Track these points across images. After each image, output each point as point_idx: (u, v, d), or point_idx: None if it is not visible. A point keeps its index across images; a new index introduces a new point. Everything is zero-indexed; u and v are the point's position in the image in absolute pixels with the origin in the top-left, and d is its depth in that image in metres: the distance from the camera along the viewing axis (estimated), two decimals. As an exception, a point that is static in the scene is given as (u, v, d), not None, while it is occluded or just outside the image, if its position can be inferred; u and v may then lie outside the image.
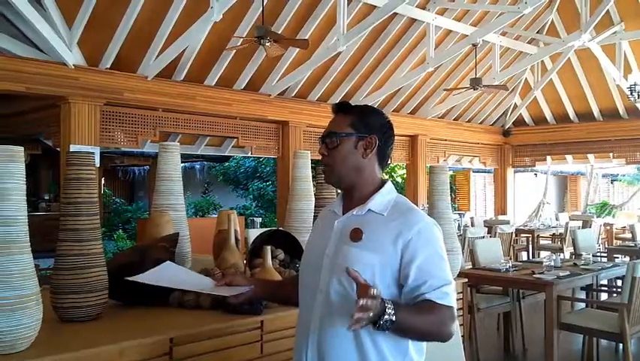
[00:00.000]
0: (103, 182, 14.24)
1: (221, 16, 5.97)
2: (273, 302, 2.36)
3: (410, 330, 1.56)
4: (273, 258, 2.82)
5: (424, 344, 1.70)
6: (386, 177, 1.81)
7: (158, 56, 6.60)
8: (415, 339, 1.64)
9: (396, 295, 1.61)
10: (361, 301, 1.39)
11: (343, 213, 1.73)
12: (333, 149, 1.72)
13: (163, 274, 1.81)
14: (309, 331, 1.67)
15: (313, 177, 3.85)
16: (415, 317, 1.54)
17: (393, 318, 1.45)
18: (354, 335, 1.59)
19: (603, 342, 5.14)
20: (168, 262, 1.90)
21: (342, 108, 1.77)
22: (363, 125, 1.72)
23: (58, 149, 6.73)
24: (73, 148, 6.10)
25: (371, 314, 1.40)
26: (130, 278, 1.71)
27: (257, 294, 1.95)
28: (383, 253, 1.61)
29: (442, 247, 1.65)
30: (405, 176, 11.50)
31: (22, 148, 1.89)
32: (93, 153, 2.33)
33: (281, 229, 3.46)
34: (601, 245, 9.69)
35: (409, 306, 1.58)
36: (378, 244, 1.62)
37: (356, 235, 1.65)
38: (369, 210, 1.69)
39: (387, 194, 1.72)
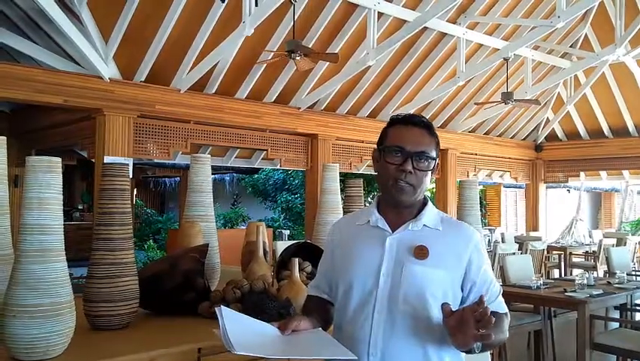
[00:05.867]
0: (135, 193, 14.47)
1: (253, 31, 6.06)
2: None
3: (493, 344, 1.61)
4: (300, 270, 2.83)
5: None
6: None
7: (190, 69, 6.72)
8: (491, 348, 1.70)
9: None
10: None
11: (392, 229, 1.68)
12: (422, 171, 1.65)
13: (239, 330, 1.67)
14: (369, 353, 1.61)
15: (342, 189, 3.85)
16: (495, 331, 1.55)
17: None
18: (423, 353, 1.59)
19: (638, 364, 4.99)
20: (223, 308, 1.73)
21: (429, 127, 1.71)
22: (438, 150, 1.72)
23: (92, 160, 6.88)
24: (107, 159, 6.24)
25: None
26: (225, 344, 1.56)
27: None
28: (449, 269, 1.62)
29: (487, 255, 1.71)
30: (434, 190, 11.41)
31: (59, 159, 1.93)
32: (127, 165, 2.38)
33: (309, 241, 3.46)
34: (636, 263, 9.43)
35: None
36: (444, 260, 1.62)
37: (422, 252, 1.62)
38: (424, 225, 1.67)
39: (433, 209, 1.74)
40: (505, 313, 1.68)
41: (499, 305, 1.68)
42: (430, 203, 1.73)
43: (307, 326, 1.66)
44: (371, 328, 1.61)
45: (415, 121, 1.69)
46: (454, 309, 1.55)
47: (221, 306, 1.67)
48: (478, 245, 1.67)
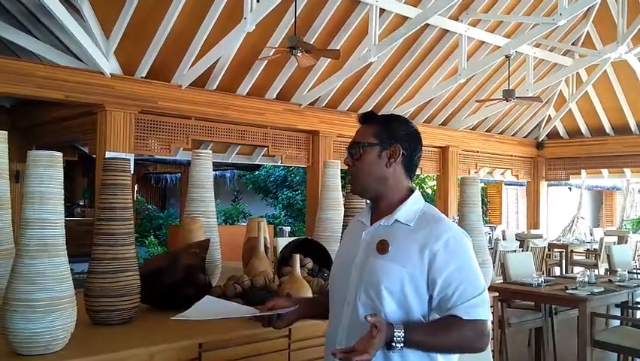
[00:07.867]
0: (136, 189, 14.47)
1: (254, 27, 6.05)
2: (314, 319, 2.14)
3: (428, 349, 1.58)
4: (301, 267, 2.83)
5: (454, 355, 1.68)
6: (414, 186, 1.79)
7: (192, 65, 6.71)
8: (441, 353, 1.63)
9: (427, 307, 1.61)
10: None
11: (371, 224, 1.72)
12: (358, 159, 1.71)
13: (205, 308, 1.84)
14: (336, 342, 1.67)
15: (342, 186, 3.85)
16: (432, 336, 1.55)
17: (401, 345, 1.50)
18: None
19: (639, 361, 5.00)
20: (207, 296, 1.92)
21: (367, 118, 1.76)
22: (387, 135, 1.70)
23: (93, 155, 6.88)
24: (108, 155, 6.24)
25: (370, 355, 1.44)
26: (175, 318, 1.79)
27: (301, 314, 1.86)
28: (410, 265, 1.59)
29: (471, 257, 1.61)
30: (435, 187, 11.41)
31: (60, 153, 1.93)
32: (128, 160, 2.38)
33: (310, 238, 3.46)
34: (637, 262, 9.43)
35: (426, 326, 1.59)
36: (405, 255, 1.60)
37: (382, 246, 1.63)
38: (396, 220, 1.66)
39: (415, 204, 1.69)
40: (472, 321, 1.54)
41: (465, 310, 1.55)
42: (411, 199, 1.69)
43: (285, 305, 1.80)
44: (341, 317, 1.68)
45: (358, 120, 1.78)
46: (418, 306, 1.59)
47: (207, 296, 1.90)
48: (451, 244, 1.58)
